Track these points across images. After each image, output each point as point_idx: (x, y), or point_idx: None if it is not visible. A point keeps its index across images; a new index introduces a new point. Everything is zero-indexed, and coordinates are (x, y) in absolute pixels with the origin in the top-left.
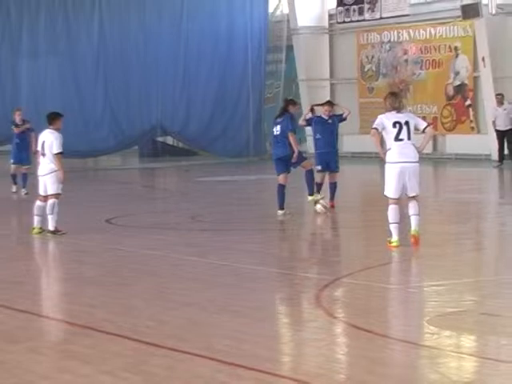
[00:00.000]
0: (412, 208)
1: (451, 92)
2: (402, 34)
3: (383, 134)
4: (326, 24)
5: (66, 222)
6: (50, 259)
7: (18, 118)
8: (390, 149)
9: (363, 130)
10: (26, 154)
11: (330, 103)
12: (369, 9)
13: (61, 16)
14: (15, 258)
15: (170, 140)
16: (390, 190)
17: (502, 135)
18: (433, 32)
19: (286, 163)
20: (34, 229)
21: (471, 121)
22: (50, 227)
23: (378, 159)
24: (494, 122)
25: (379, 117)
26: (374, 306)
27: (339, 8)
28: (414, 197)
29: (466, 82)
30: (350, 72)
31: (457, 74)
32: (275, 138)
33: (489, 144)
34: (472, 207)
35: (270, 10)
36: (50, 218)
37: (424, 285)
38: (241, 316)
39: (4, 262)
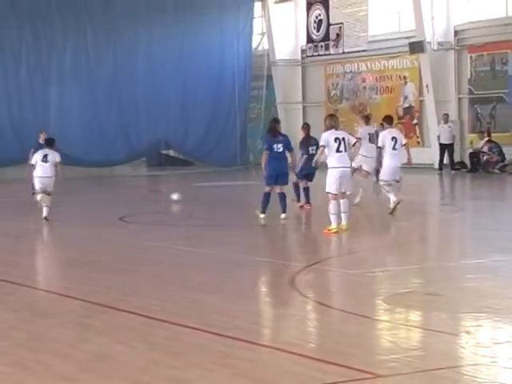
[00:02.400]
0: (343, 205)
1: (401, 113)
2: (361, 66)
3: (325, 146)
4: (299, 57)
5: (86, 218)
6: (72, 249)
7: (41, 138)
8: (331, 158)
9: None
10: None
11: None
12: (333, 45)
13: (82, 52)
14: (43, 247)
15: (172, 152)
16: (332, 188)
17: (444, 148)
18: (386, 64)
19: (281, 177)
20: None
21: (417, 136)
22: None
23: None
24: (438, 137)
25: (323, 135)
26: (338, 287)
27: (309, 44)
28: (345, 193)
29: (413, 104)
30: (319, 96)
31: (406, 98)
32: (279, 154)
33: (431, 155)
34: (418, 206)
35: (254, 45)
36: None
37: (378, 270)
38: (229, 296)
39: (36, 250)
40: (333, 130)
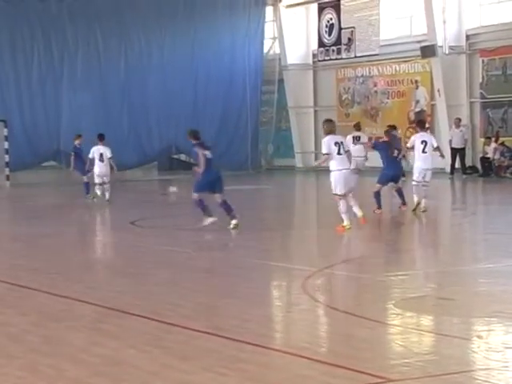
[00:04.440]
0: (352, 200)
1: (413, 117)
2: (373, 70)
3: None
4: (311, 61)
5: (97, 223)
6: (84, 253)
7: (77, 142)
8: (333, 161)
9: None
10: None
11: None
12: (345, 49)
13: (94, 57)
14: (54, 251)
15: (183, 157)
16: (338, 189)
17: (455, 152)
18: (398, 68)
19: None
20: None
21: None
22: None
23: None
24: (450, 141)
25: (324, 141)
26: (349, 292)
27: (320, 49)
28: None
29: (425, 108)
30: (330, 100)
31: (417, 102)
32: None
33: (443, 160)
34: (429, 211)
35: (265, 50)
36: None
37: (390, 274)
38: (241, 300)
39: (48, 254)
40: (332, 135)
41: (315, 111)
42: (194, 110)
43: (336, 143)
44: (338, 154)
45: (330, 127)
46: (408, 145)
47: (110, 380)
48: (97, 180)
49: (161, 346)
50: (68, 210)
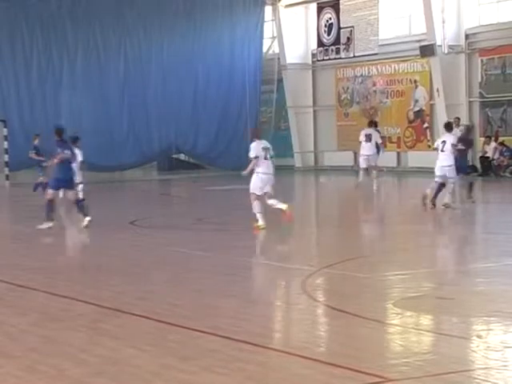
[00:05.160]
0: (272, 202)
1: (412, 116)
2: (372, 70)
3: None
4: (310, 61)
5: (98, 223)
6: (84, 253)
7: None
8: (259, 165)
9: (341, 148)
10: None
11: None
12: (344, 49)
13: (93, 56)
14: (54, 251)
15: (182, 156)
16: (257, 190)
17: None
18: (397, 67)
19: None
20: None
21: (428, 140)
22: None
23: (351, 171)
24: None
25: (252, 146)
26: (348, 291)
27: (320, 48)
28: (268, 194)
29: (424, 108)
30: (330, 100)
31: (416, 101)
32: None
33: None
34: (428, 210)
35: (264, 49)
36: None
37: (389, 274)
38: (239, 300)
39: (47, 254)
40: (258, 141)
41: (314, 111)
42: (193, 110)
43: (264, 148)
44: (265, 158)
45: (256, 133)
46: (434, 145)
47: (110, 380)
48: None
49: (160, 345)
50: (67, 209)
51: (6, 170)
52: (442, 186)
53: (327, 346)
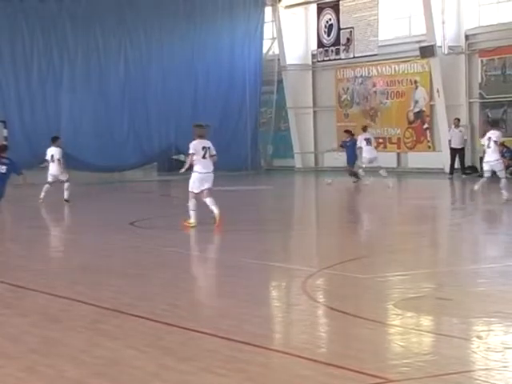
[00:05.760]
0: (210, 200)
1: (412, 117)
2: (372, 70)
3: (195, 153)
4: (310, 62)
5: (97, 223)
6: (83, 254)
7: None
8: (197, 163)
9: (340, 149)
10: None
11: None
12: (344, 50)
13: (94, 58)
14: (54, 252)
15: (182, 157)
16: (194, 187)
17: (455, 152)
18: (397, 68)
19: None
20: None
21: (428, 141)
22: None
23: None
24: (449, 141)
25: (193, 143)
26: (349, 292)
27: (319, 49)
28: (206, 192)
29: (424, 109)
30: (329, 101)
31: (416, 102)
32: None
33: (442, 160)
34: (428, 211)
35: (264, 50)
36: None
37: (389, 275)
38: (239, 300)
39: (47, 255)
40: (200, 140)
41: (314, 112)
42: (193, 111)
43: (204, 147)
44: (203, 157)
45: (200, 132)
46: (482, 142)
47: (109, 380)
48: (49, 179)
49: (160, 346)
50: (67, 210)
51: None
52: (489, 179)
53: (327, 346)
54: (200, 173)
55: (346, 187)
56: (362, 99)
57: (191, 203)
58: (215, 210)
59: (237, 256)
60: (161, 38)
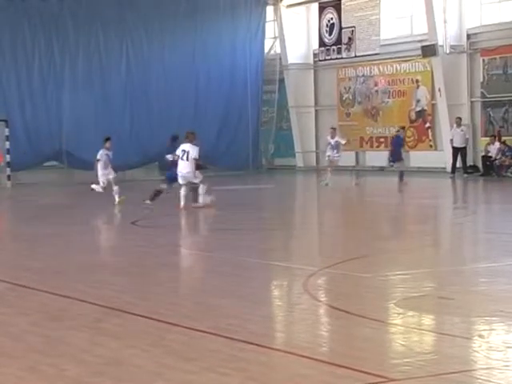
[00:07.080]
0: (201, 189)
1: (413, 116)
2: (373, 69)
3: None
4: (311, 61)
5: (98, 222)
6: (85, 253)
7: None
8: (177, 164)
9: (342, 148)
10: None
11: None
12: (345, 49)
13: (95, 57)
14: (56, 251)
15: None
16: (180, 181)
17: (456, 151)
18: (398, 67)
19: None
20: None
21: (430, 140)
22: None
23: (349, 170)
24: (451, 140)
25: (181, 146)
26: (351, 291)
27: (321, 48)
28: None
29: (426, 108)
30: (331, 100)
31: (418, 101)
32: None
33: (444, 159)
34: (430, 210)
35: (266, 50)
36: None
37: (391, 274)
38: (241, 300)
39: (49, 254)
40: (186, 144)
41: (316, 111)
42: (195, 110)
43: (183, 151)
44: (181, 159)
45: (188, 137)
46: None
47: (111, 380)
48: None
49: (162, 345)
50: (69, 209)
51: (8, 171)
52: None
53: (329, 345)
54: (179, 171)
55: (346, 187)
56: (364, 98)
57: (182, 191)
58: (207, 198)
59: (239, 255)
60: (162, 38)
